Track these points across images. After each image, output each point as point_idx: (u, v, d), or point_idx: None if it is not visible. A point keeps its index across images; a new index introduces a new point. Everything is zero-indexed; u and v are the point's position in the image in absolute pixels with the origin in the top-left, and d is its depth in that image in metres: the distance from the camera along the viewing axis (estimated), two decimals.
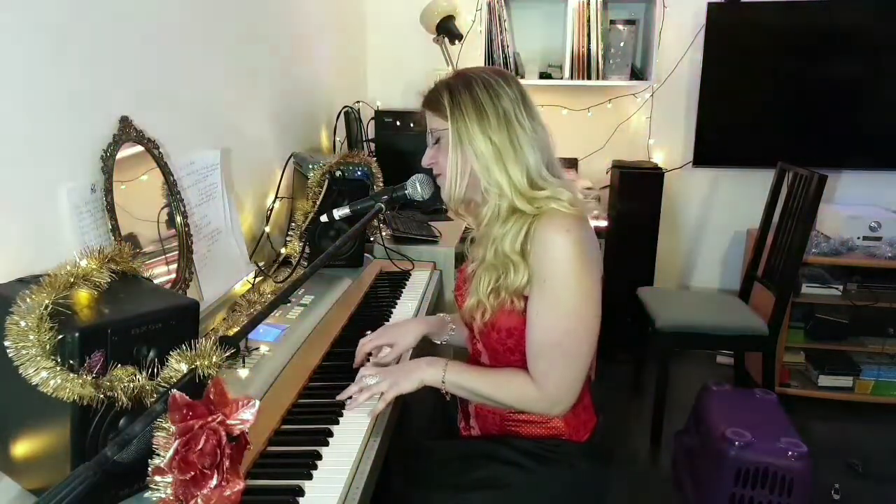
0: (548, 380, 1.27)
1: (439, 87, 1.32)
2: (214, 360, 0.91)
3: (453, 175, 1.31)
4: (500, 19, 3.30)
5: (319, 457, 1.16)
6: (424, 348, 1.62)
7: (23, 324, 0.88)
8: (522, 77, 3.34)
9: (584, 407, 1.39)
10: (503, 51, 3.33)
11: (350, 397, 1.33)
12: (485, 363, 1.42)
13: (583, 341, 1.26)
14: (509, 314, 1.30)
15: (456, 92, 1.28)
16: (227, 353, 0.93)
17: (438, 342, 1.61)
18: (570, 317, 1.24)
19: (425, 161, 1.38)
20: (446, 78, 1.34)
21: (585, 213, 1.28)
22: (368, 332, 1.55)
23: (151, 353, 0.97)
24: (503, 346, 1.34)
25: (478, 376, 1.34)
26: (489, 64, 3.32)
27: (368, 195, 1.53)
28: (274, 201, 2.18)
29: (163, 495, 0.81)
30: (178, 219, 1.52)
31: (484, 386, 1.32)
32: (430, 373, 1.33)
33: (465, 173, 1.30)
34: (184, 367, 0.90)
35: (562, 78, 3.38)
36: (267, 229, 2.10)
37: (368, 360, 1.52)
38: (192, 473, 0.82)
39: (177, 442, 0.81)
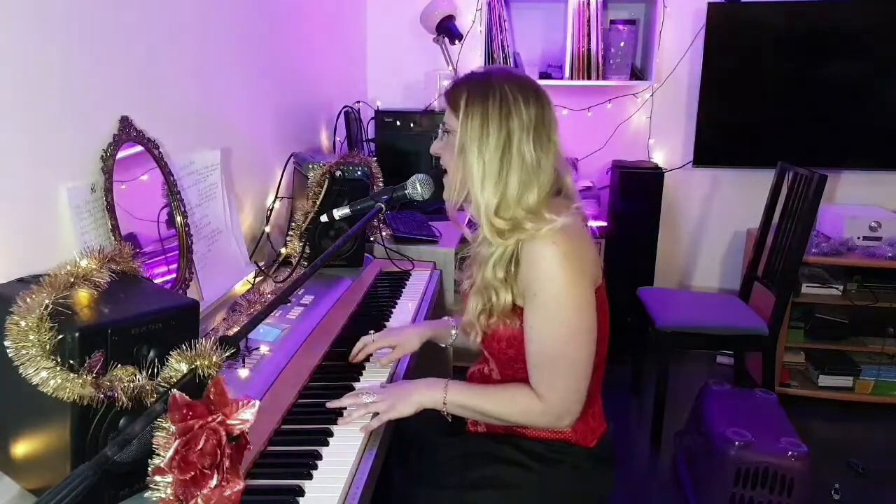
0: (550, 393, 1.26)
1: (461, 87, 1.30)
2: (214, 360, 0.91)
3: (454, 178, 1.32)
4: (500, 19, 3.29)
5: (319, 457, 1.16)
6: (425, 355, 1.62)
7: (23, 324, 0.88)
8: None
9: (594, 414, 1.39)
10: (503, 51, 3.32)
11: (343, 408, 1.31)
12: (493, 369, 1.42)
13: (581, 351, 1.25)
14: (507, 325, 1.30)
15: (471, 100, 1.27)
16: (227, 353, 0.93)
17: (443, 345, 1.61)
18: (564, 328, 1.23)
19: (434, 149, 1.38)
20: (473, 76, 1.32)
21: (573, 220, 1.26)
22: (372, 332, 1.56)
23: (151, 353, 0.97)
24: (504, 355, 1.34)
25: (480, 394, 1.33)
26: (489, 64, 3.32)
27: (368, 195, 1.53)
28: (274, 201, 2.18)
29: (163, 495, 0.81)
30: (178, 219, 1.52)
31: (487, 404, 1.31)
32: (430, 395, 1.32)
33: (465, 181, 1.30)
34: (184, 367, 0.90)
35: (562, 78, 3.38)
36: (267, 229, 2.10)
37: (367, 361, 1.52)
38: (192, 473, 0.82)
39: (177, 442, 0.81)
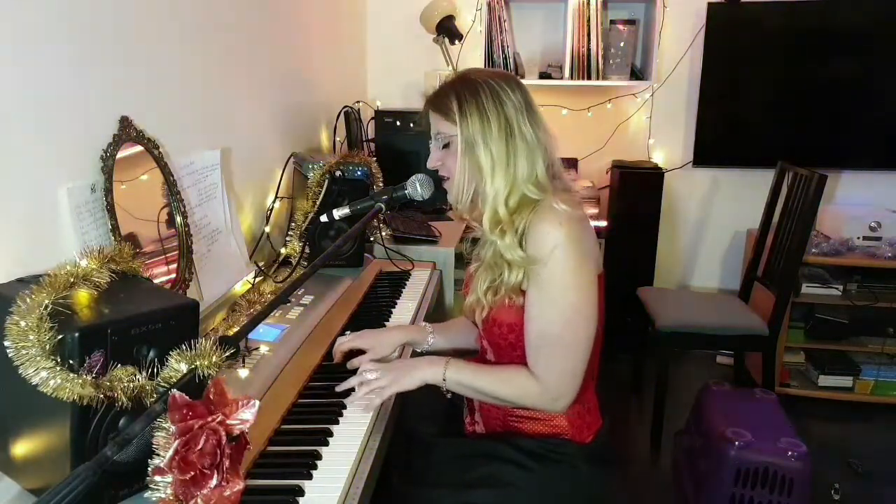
0: (548, 373, 1.28)
1: (447, 92, 1.33)
2: (214, 360, 0.91)
3: (461, 181, 1.33)
4: (500, 19, 3.29)
5: (319, 457, 1.16)
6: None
7: (23, 324, 0.88)
8: (522, 77, 3.34)
9: (589, 409, 1.40)
10: (503, 51, 3.32)
11: (351, 389, 1.34)
12: (490, 359, 1.43)
13: (580, 333, 1.27)
14: (509, 309, 1.32)
15: (464, 99, 1.30)
16: (227, 353, 0.93)
17: (420, 350, 1.61)
18: (566, 308, 1.25)
19: (431, 163, 1.39)
20: (452, 81, 1.35)
21: (578, 211, 1.29)
22: (348, 332, 1.55)
23: (151, 353, 0.97)
24: (504, 340, 1.35)
25: (479, 374, 1.35)
26: (489, 64, 3.32)
27: (368, 195, 1.53)
28: (274, 201, 2.18)
29: (163, 495, 0.81)
30: (178, 219, 1.52)
31: (485, 383, 1.33)
32: (431, 371, 1.34)
33: (472, 179, 1.32)
34: (184, 367, 0.90)
35: (562, 78, 3.38)
36: (267, 229, 2.10)
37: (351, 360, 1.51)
38: (192, 473, 0.82)
39: (177, 442, 0.81)
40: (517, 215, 1.29)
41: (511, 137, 1.29)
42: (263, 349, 1.46)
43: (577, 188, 1.38)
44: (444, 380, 1.34)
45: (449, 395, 1.39)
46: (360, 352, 1.51)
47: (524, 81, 1.40)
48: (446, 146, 1.35)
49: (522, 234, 1.28)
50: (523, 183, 1.29)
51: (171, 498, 0.81)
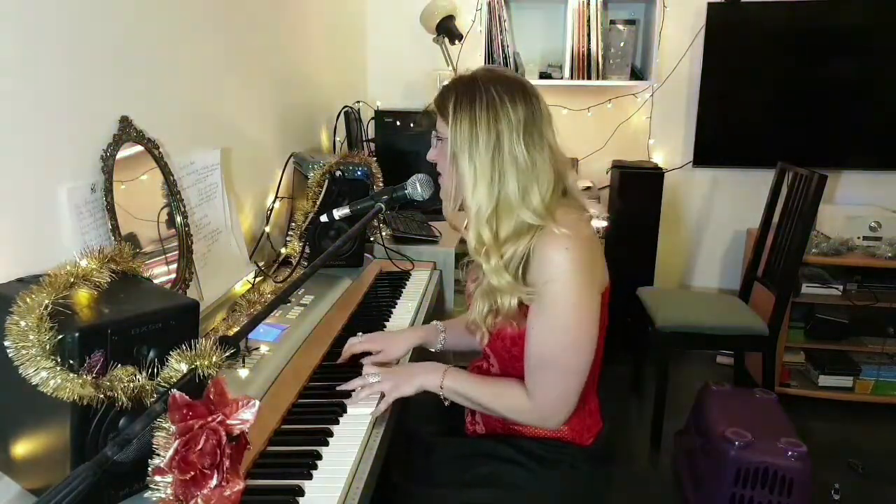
0: (542, 394, 1.27)
1: (450, 90, 1.30)
2: (214, 360, 0.91)
3: (448, 186, 1.33)
4: (500, 19, 3.30)
5: (319, 457, 1.16)
6: (422, 353, 1.63)
7: (23, 324, 0.88)
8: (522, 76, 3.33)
9: (590, 412, 1.39)
10: (503, 51, 3.32)
11: (352, 390, 1.35)
12: (493, 365, 1.42)
13: (579, 357, 1.26)
14: (513, 326, 1.31)
15: (458, 104, 1.26)
16: (227, 353, 0.93)
17: (433, 350, 1.62)
18: (566, 333, 1.24)
19: (430, 156, 1.39)
20: (458, 79, 1.32)
21: (584, 231, 1.27)
22: (360, 334, 1.56)
23: (151, 353, 0.97)
24: (508, 353, 1.35)
25: (475, 385, 1.35)
26: (489, 64, 3.32)
27: (368, 195, 1.53)
28: (274, 201, 2.18)
29: (163, 495, 0.81)
30: (178, 219, 1.52)
31: (480, 395, 1.34)
32: (430, 378, 1.35)
33: (458, 187, 1.30)
34: (184, 367, 0.90)
35: (562, 78, 3.38)
36: (267, 229, 2.10)
37: (357, 361, 1.51)
38: (192, 473, 0.82)
39: (177, 442, 0.81)
40: (510, 243, 1.25)
41: (498, 155, 1.24)
42: (263, 349, 1.46)
43: (589, 204, 1.34)
44: (441, 388, 1.34)
45: (447, 403, 1.38)
46: (367, 353, 1.52)
47: None
48: (440, 144, 1.34)
49: (523, 259, 1.25)
50: (518, 206, 1.24)
51: (171, 498, 0.81)
